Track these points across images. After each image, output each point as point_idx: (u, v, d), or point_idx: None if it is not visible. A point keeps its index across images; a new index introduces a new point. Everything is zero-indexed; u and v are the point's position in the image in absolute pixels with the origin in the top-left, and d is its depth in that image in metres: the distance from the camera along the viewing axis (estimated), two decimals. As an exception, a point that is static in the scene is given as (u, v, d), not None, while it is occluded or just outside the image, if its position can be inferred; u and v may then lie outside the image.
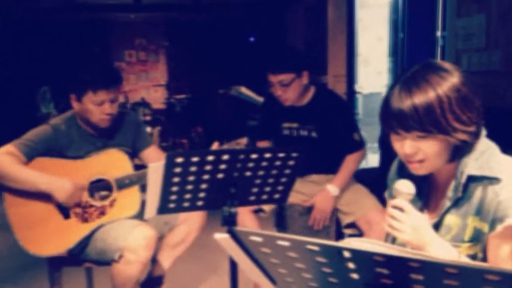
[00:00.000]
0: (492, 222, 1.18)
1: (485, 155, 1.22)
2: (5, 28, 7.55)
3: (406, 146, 1.21)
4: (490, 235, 1.18)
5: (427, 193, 1.35)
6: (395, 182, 1.23)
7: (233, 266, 1.64)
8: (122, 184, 2.15)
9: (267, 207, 2.48)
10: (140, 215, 2.04)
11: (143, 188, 1.92)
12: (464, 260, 1.21)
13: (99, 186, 2.15)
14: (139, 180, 2.13)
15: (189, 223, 2.30)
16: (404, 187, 1.21)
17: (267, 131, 2.69)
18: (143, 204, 1.98)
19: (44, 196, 2.07)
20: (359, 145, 2.52)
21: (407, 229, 1.18)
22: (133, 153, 2.35)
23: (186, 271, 3.13)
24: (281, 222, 2.61)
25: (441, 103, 1.15)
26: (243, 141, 1.98)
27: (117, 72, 2.26)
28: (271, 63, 2.42)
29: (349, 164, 2.49)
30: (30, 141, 2.12)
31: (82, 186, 2.10)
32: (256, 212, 2.48)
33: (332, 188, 2.44)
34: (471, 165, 1.21)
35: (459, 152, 1.21)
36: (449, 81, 1.18)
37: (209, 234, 1.19)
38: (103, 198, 2.16)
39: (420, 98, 1.15)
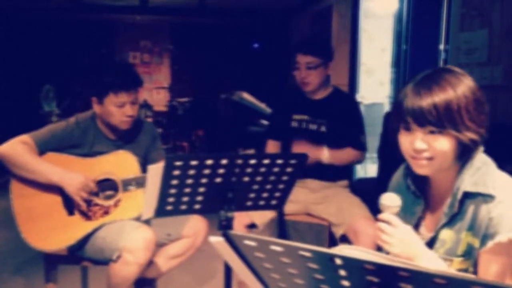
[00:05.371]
0: (483, 237, 1.19)
1: (481, 171, 1.23)
2: (11, 26, 7.59)
3: (418, 141, 1.22)
4: (480, 251, 1.20)
5: (425, 207, 1.37)
6: (380, 197, 1.24)
7: (228, 270, 1.65)
8: (129, 186, 2.16)
9: (260, 222, 2.45)
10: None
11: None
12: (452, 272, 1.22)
13: (106, 186, 2.17)
14: (145, 183, 2.14)
15: (193, 239, 2.29)
16: (389, 201, 1.22)
17: (278, 127, 2.72)
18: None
19: (51, 191, 2.09)
20: (361, 147, 2.56)
21: (395, 242, 1.20)
22: (144, 163, 2.28)
23: (181, 274, 3.13)
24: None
25: (459, 101, 1.19)
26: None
27: (137, 74, 2.26)
28: (303, 43, 2.56)
29: (347, 151, 2.52)
30: (45, 135, 2.16)
31: (93, 179, 2.12)
32: (250, 227, 2.45)
33: (326, 152, 2.47)
34: (467, 181, 1.23)
35: (464, 154, 1.24)
36: (465, 83, 1.23)
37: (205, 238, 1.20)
38: (108, 197, 2.17)
39: (440, 95, 1.19)
